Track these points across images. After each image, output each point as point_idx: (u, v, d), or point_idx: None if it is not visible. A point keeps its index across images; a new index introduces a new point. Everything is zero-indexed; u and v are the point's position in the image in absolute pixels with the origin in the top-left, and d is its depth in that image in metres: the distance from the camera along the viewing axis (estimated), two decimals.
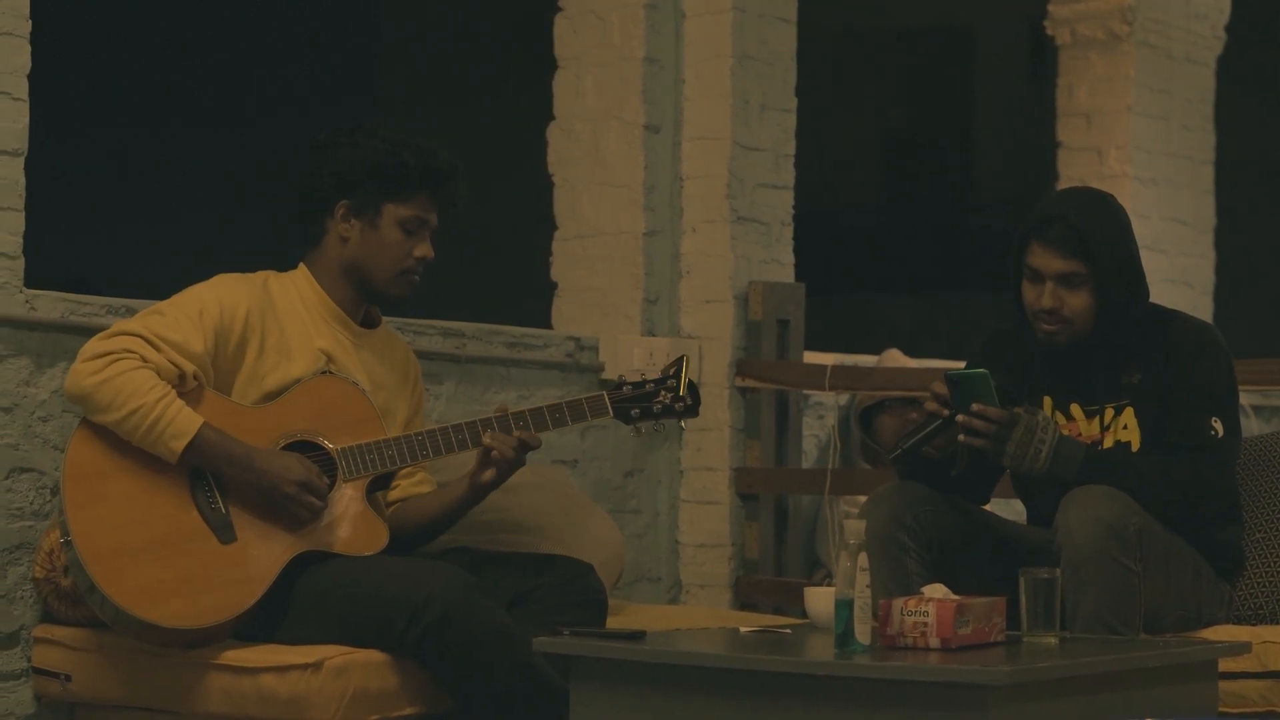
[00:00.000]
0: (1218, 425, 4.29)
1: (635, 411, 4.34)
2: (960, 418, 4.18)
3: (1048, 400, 4.41)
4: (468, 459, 4.37)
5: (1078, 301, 4.30)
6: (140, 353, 4.07)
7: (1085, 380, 4.39)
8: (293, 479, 4.12)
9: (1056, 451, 4.19)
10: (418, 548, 4.42)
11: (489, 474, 4.28)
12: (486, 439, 4.24)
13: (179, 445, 4.05)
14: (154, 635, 4.06)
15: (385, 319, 4.56)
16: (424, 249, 4.36)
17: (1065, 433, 4.30)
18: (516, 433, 4.25)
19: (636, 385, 4.36)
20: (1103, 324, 4.32)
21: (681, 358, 4.40)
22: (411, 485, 4.44)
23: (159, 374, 4.07)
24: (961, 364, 4.55)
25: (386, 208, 4.32)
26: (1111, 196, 4.44)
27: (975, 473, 4.39)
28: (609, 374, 5.68)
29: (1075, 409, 4.39)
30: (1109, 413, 4.36)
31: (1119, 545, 4.09)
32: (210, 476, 4.13)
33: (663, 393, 4.34)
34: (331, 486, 4.19)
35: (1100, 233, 4.28)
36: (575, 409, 4.31)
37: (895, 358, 6.43)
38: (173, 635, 4.05)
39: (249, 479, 4.12)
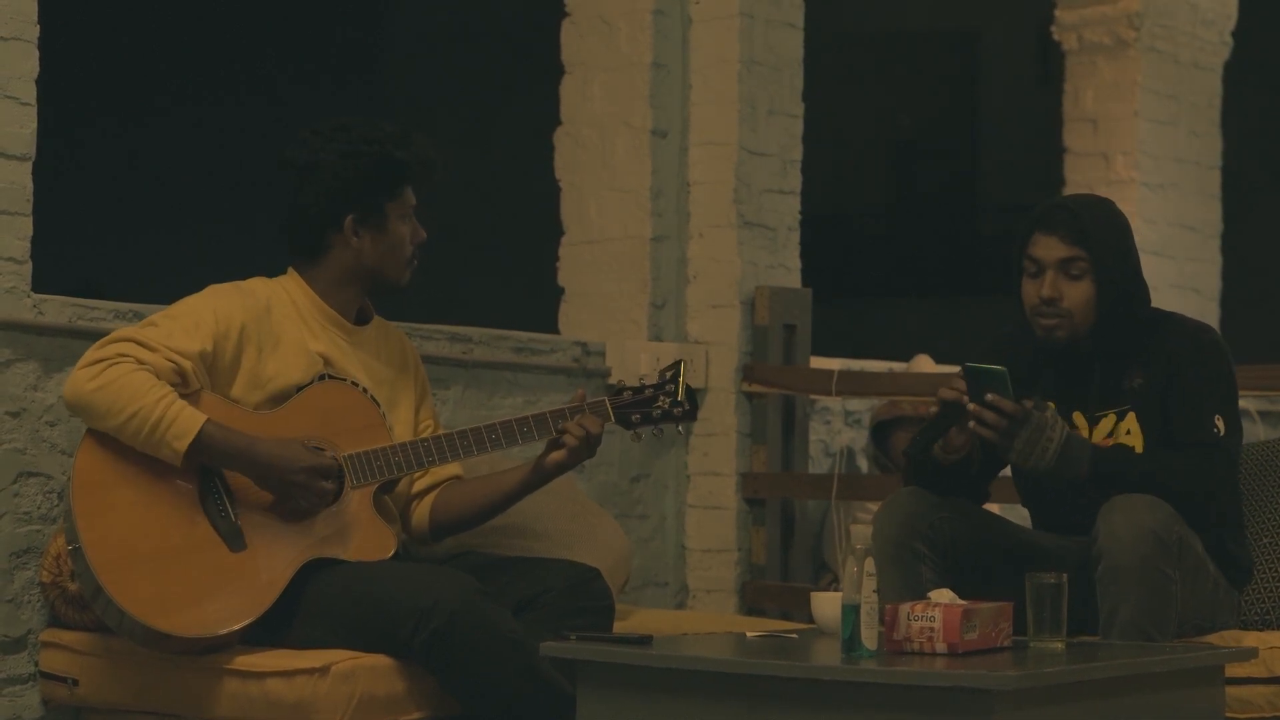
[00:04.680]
0: (1220, 423, 4.30)
1: (635, 417, 4.34)
2: (972, 406, 4.18)
3: (1050, 406, 4.40)
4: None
5: (1078, 293, 4.31)
6: (135, 355, 4.06)
7: (1087, 386, 4.39)
8: (300, 466, 4.11)
9: (1064, 450, 4.20)
10: (466, 531, 4.44)
11: (558, 455, 4.29)
12: (567, 425, 4.25)
13: (182, 445, 4.03)
14: (165, 644, 4.05)
15: (395, 324, 4.57)
16: (420, 233, 4.38)
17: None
18: (580, 419, 4.26)
19: (636, 390, 4.36)
20: (1103, 323, 4.32)
21: (678, 362, 4.39)
22: (440, 469, 4.43)
23: (157, 374, 4.06)
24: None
25: (389, 208, 4.33)
26: (1113, 203, 4.47)
27: (977, 469, 4.40)
28: (616, 379, 5.68)
29: (1078, 416, 4.39)
30: (1111, 418, 4.36)
31: (1162, 553, 4.10)
32: (220, 484, 4.13)
33: (661, 398, 4.34)
34: (340, 493, 4.20)
35: (1100, 223, 4.32)
36: (577, 414, 4.30)
37: (924, 364, 6.40)
38: (184, 644, 4.05)
39: (255, 472, 4.11)
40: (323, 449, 4.20)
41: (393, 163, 4.30)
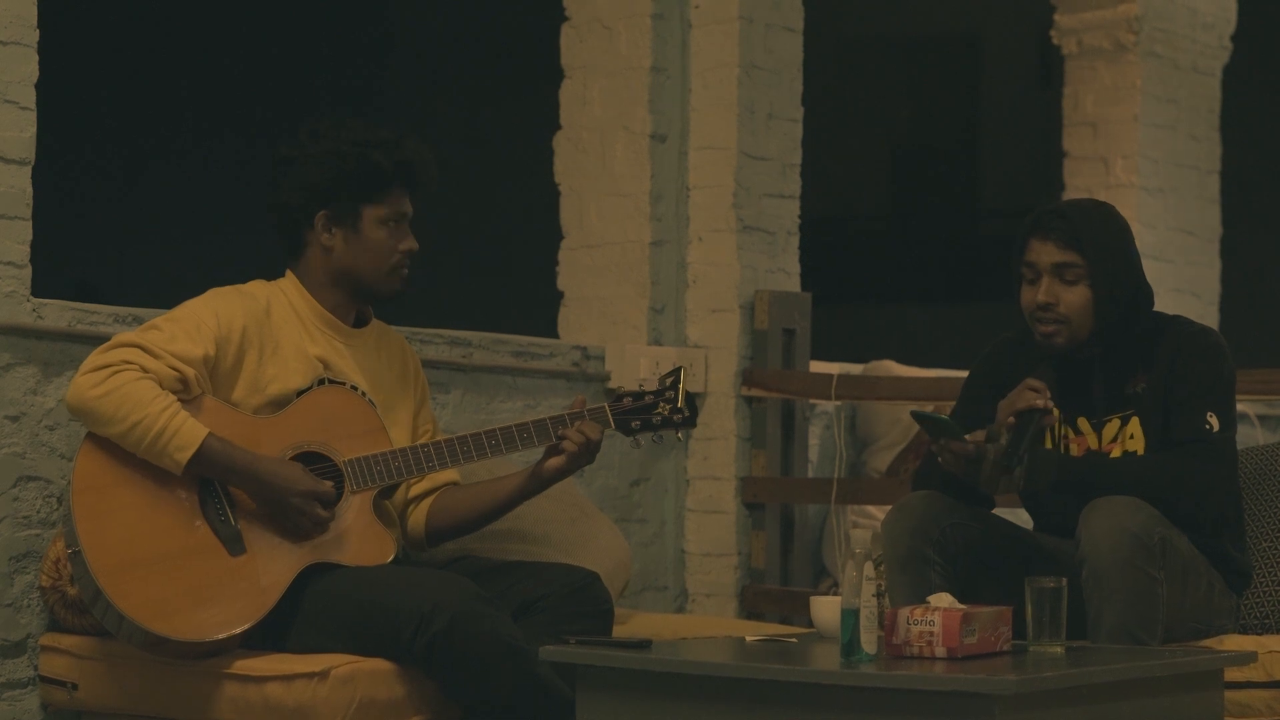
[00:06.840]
0: (1213, 420, 4.29)
1: (635, 423, 4.34)
2: (933, 446, 4.22)
3: (1054, 412, 4.40)
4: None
5: (1074, 297, 4.30)
6: (139, 363, 4.07)
7: (1091, 392, 4.39)
8: (298, 489, 4.12)
9: (1030, 469, 4.20)
10: (463, 536, 4.45)
11: (557, 461, 4.29)
12: (564, 431, 4.26)
13: (184, 457, 4.05)
14: (164, 648, 4.05)
15: (395, 328, 4.56)
16: (408, 242, 4.35)
17: (1046, 446, 4.32)
18: (579, 425, 4.26)
19: (636, 397, 4.36)
20: (1102, 328, 4.32)
21: (678, 369, 4.39)
22: (437, 475, 4.43)
23: (160, 382, 4.07)
24: (966, 373, 4.57)
25: (365, 210, 4.31)
26: (1112, 207, 4.46)
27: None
28: (615, 383, 5.69)
29: (1082, 422, 4.38)
30: (1115, 423, 4.36)
31: (1143, 554, 4.08)
32: (220, 489, 4.14)
33: (661, 404, 4.34)
34: (339, 497, 4.20)
35: (1096, 228, 4.30)
36: (576, 420, 4.30)
37: (886, 369, 6.39)
38: (183, 648, 4.05)
39: (254, 489, 4.12)
40: (323, 455, 4.21)
41: (369, 165, 4.28)
